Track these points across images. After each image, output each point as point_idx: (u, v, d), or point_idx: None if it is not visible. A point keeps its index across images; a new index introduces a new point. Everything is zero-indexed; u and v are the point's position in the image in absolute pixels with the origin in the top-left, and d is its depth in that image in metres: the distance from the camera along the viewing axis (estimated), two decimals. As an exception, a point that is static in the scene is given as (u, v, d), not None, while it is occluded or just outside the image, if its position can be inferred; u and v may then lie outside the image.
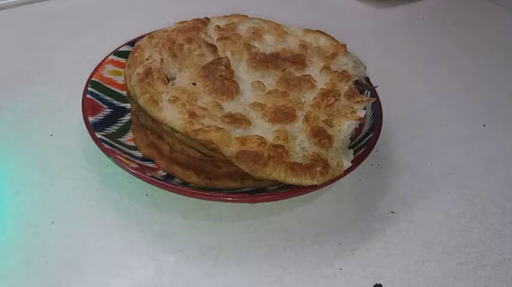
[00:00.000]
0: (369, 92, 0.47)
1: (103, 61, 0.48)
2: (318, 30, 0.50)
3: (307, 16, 0.68)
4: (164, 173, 0.41)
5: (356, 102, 0.41)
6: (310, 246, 0.38)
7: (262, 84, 0.43)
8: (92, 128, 0.41)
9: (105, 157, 0.39)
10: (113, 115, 0.45)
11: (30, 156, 0.44)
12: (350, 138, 0.41)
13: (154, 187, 0.39)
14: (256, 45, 0.47)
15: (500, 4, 0.75)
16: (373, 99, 0.45)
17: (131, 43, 0.50)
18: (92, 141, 0.40)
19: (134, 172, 0.38)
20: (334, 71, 0.44)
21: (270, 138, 0.38)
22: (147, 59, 0.43)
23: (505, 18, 0.73)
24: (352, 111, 0.40)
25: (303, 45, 0.47)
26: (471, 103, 0.55)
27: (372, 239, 0.39)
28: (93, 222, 0.39)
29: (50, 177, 0.42)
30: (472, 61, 0.62)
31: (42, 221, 0.38)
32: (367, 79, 0.47)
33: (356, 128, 0.41)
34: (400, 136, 0.49)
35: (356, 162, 0.39)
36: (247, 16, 0.51)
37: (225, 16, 0.51)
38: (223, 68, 0.43)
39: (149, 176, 0.38)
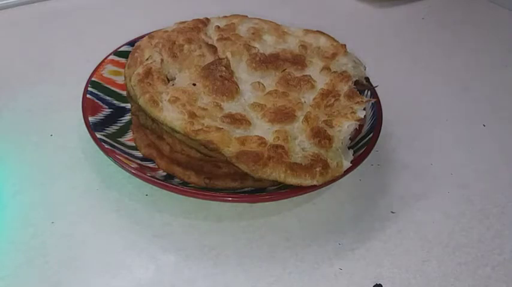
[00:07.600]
0: (369, 92, 0.47)
1: (103, 61, 0.48)
2: (318, 31, 0.49)
3: (307, 16, 0.68)
4: (164, 173, 0.41)
5: (356, 103, 0.41)
6: (310, 246, 0.38)
7: (262, 84, 0.43)
8: (92, 128, 0.41)
9: (105, 157, 0.39)
10: (113, 115, 0.45)
11: (30, 156, 0.44)
12: (350, 138, 0.41)
13: (154, 187, 0.39)
14: (256, 45, 0.47)
15: (500, 4, 0.75)
16: (373, 100, 0.45)
17: (131, 43, 0.50)
18: (92, 142, 0.40)
19: (134, 172, 0.38)
20: (334, 72, 0.44)
21: (270, 138, 0.38)
22: (147, 59, 0.43)
23: (505, 18, 0.72)
24: (352, 112, 0.40)
25: (303, 46, 0.47)
26: (471, 103, 0.55)
27: (372, 239, 0.39)
28: (93, 222, 0.39)
29: (50, 177, 0.42)
30: (472, 61, 0.62)
31: (42, 221, 0.38)
32: (367, 79, 0.47)
33: (356, 128, 0.41)
34: (400, 136, 0.49)
35: (356, 162, 0.39)
36: (247, 16, 0.51)
37: (225, 16, 0.51)
38: (223, 68, 0.43)
39: (149, 176, 0.38)
